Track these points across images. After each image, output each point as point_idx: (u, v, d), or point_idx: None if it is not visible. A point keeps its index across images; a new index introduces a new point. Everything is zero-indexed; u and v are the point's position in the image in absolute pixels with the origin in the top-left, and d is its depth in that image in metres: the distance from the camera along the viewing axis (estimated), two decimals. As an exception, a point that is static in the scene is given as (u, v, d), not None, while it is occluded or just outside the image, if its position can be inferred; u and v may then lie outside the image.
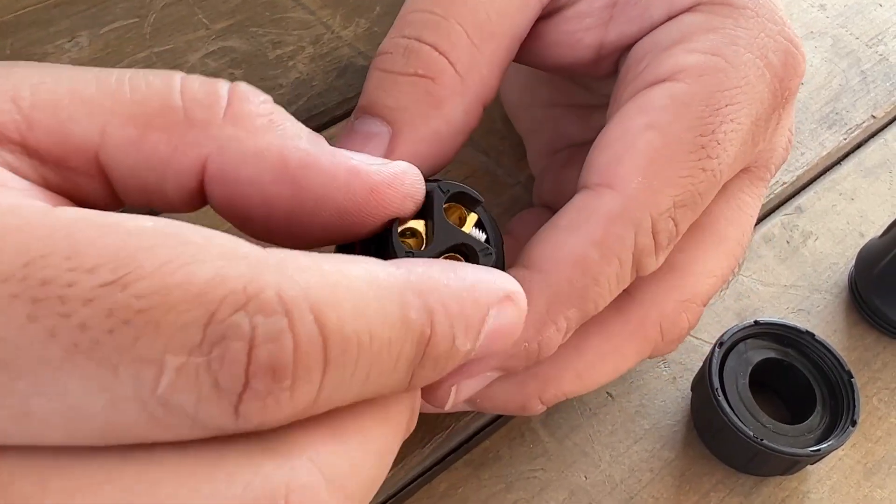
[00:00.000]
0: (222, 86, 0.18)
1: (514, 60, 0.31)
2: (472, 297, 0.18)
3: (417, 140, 0.25)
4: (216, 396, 0.14)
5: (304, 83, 0.41)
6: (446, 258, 0.23)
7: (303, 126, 0.19)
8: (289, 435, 0.16)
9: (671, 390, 0.34)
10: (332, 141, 0.20)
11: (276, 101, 0.19)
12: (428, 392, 0.24)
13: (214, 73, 0.36)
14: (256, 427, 0.15)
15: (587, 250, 0.24)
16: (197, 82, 0.18)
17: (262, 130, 0.18)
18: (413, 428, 0.19)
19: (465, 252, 0.23)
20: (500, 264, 0.24)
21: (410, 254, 0.22)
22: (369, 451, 0.17)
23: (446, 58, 0.25)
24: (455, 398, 0.24)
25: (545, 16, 0.29)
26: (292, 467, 0.15)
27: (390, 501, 0.31)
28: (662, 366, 0.34)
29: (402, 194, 0.20)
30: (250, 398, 0.14)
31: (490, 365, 0.24)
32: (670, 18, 0.28)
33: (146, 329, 0.13)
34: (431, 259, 0.19)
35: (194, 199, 0.19)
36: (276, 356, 0.14)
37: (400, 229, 0.21)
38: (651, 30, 0.28)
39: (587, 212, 0.24)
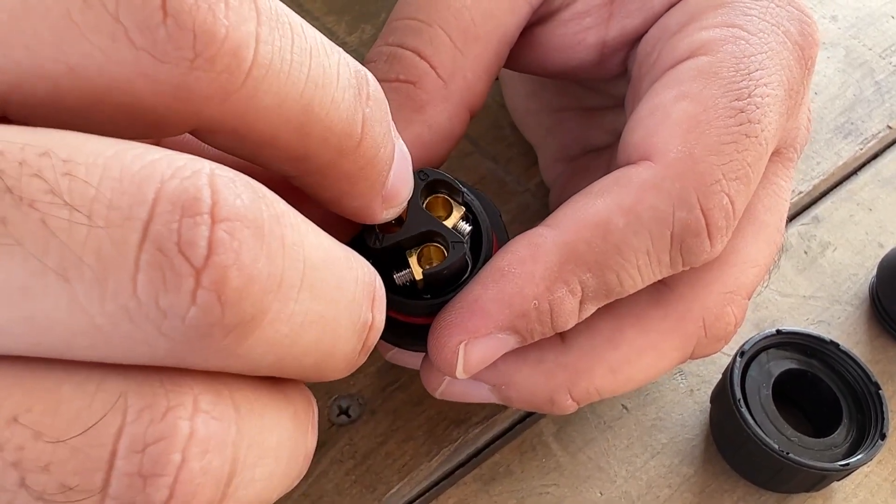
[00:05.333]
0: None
1: (518, 70, 0.30)
2: None
3: None
4: None
5: (307, 88, 0.40)
6: (423, 249, 0.23)
7: None
8: None
9: (689, 403, 0.32)
10: None
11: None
12: (436, 351, 0.22)
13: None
14: None
15: (611, 215, 0.22)
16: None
17: None
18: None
19: (440, 240, 0.23)
20: (482, 253, 0.24)
21: (378, 240, 0.22)
22: None
23: (428, 62, 0.25)
24: (465, 361, 0.22)
25: (541, 21, 0.28)
26: None
27: (396, 517, 0.29)
28: (679, 378, 0.33)
29: None
30: None
31: (496, 320, 0.22)
32: (672, 6, 0.27)
33: None
34: None
35: None
36: None
37: None
38: (655, 20, 0.27)
39: (622, 180, 0.23)
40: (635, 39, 0.28)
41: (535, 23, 0.28)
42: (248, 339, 0.13)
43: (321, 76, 0.16)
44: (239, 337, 0.13)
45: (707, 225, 0.23)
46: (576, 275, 0.22)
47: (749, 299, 0.27)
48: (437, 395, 0.26)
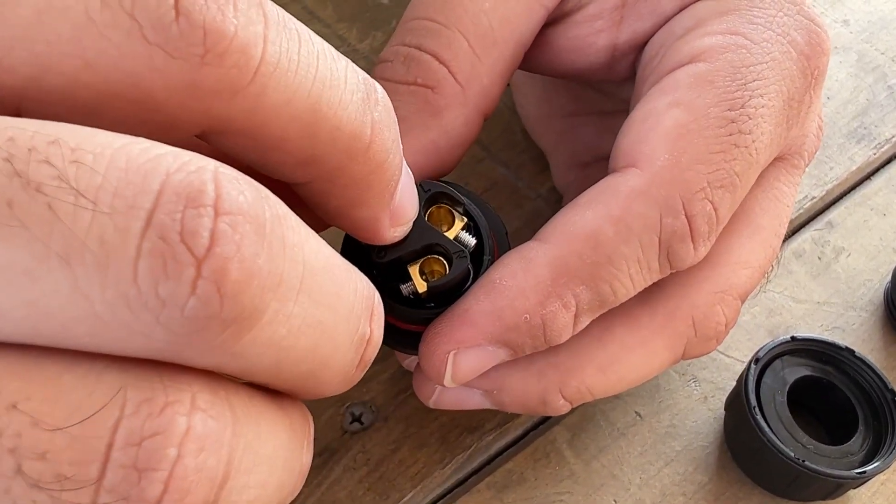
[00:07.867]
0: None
1: (527, 69, 0.30)
2: None
3: (415, 150, 0.24)
4: None
5: (319, 95, 0.40)
6: (426, 260, 0.23)
7: None
8: None
9: (703, 410, 0.32)
10: None
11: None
12: (426, 359, 0.23)
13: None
14: None
15: (601, 225, 0.23)
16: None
17: None
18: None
19: (442, 252, 0.23)
20: (484, 263, 0.24)
21: (382, 252, 0.22)
22: None
23: (447, 67, 0.25)
24: (454, 370, 0.22)
25: (553, 22, 0.28)
26: None
27: (409, 525, 0.29)
28: (693, 384, 0.33)
29: None
30: None
31: (485, 332, 0.22)
32: (682, 9, 0.27)
33: None
34: None
35: None
36: None
37: None
38: (664, 23, 0.27)
39: (609, 190, 0.23)
40: (645, 43, 0.28)
41: (547, 24, 0.28)
42: (246, 335, 0.13)
43: (329, 77, 0.16)
44: (237, 332, 0.13)
45: (691, 230, 0.23)
46: (569, 288, 0.22)
47: (742, 301, 0.27)
48: (431, 404, 0.26)
